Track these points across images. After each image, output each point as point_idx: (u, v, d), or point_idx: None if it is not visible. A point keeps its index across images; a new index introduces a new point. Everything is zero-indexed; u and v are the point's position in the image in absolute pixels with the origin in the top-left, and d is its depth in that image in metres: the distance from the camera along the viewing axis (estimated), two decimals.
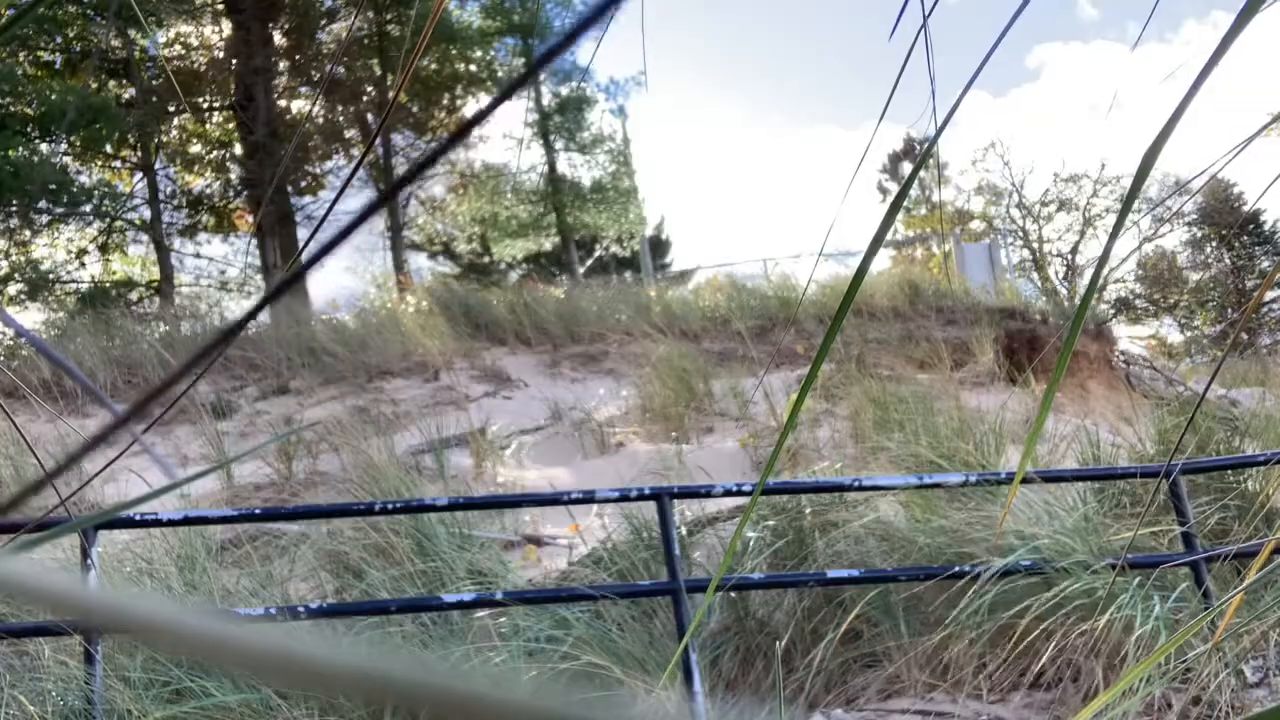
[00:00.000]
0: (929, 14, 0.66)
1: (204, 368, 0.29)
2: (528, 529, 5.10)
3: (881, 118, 0.64)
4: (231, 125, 16.00)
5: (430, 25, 0.57)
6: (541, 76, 17.69)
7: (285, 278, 0.26)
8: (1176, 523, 3.15)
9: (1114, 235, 0.54)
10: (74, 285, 15.33)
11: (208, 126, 16.35)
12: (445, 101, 16.90)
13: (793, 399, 6.63)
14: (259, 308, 0.26)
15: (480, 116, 0.26)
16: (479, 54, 16.53)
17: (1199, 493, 3.73)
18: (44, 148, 13.92)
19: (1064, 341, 0.55)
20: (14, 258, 14.54)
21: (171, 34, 15.59)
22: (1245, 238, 23.75)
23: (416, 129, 17.09)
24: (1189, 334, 23.79)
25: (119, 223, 15.32)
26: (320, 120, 16.10)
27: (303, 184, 16.24)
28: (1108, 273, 22.89)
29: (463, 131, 0.27)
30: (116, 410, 0.43)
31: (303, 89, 15.85)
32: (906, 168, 25.81)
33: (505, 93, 0.25)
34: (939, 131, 0.56)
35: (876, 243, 0.49)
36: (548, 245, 19.63)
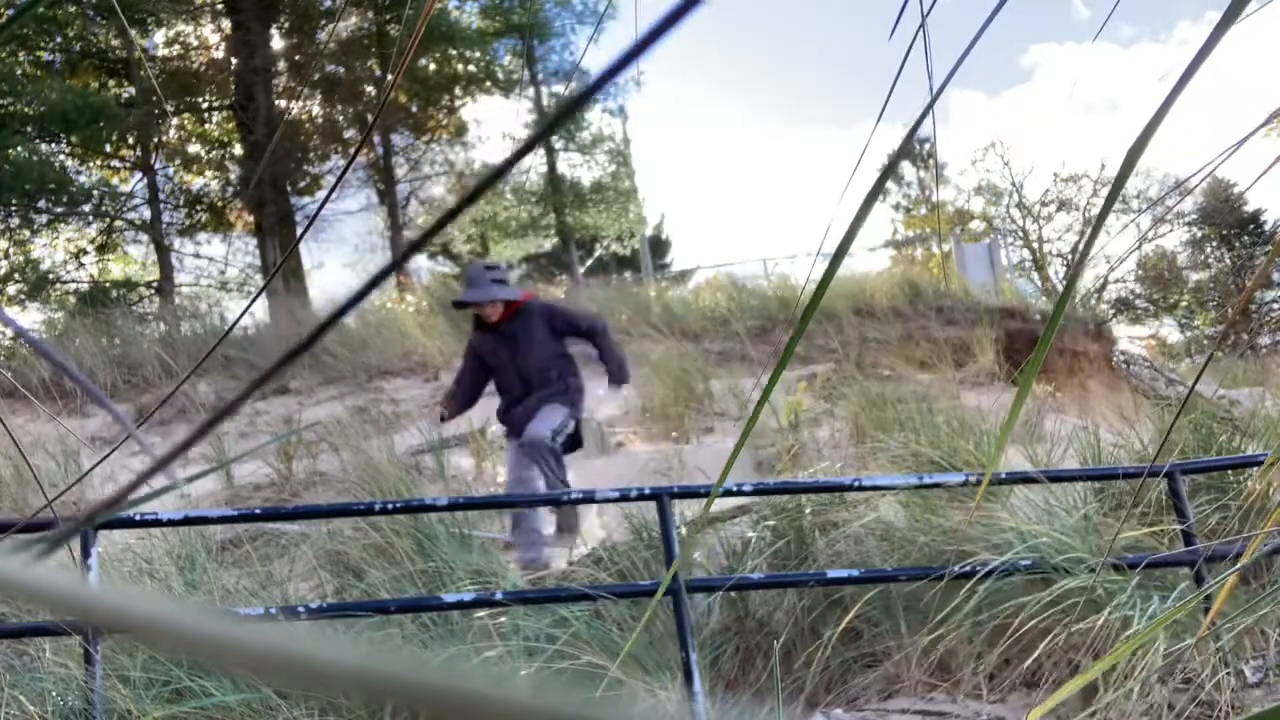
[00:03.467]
0: (928, 14, 0.66)
1: (234, 402, 0.29)
2: None
3: (880, 117, 0.64)
4: (231, 125, 16.00)
5: (421, 25, 0.57)
6: (540, 77, 17.69)
7: (340, 309, 0.27)
8: (1176, 522, 3.15)
9: (1098, 225, 0.54)
10: (74, 285, 15.32)
11: (207, 126, 16.34)
12: (444, 101, 16.89)
13: (790, 400, 6.63)
14: (318, 334, 0.27)
15: (505, 167, 0.26)
16: (478, 54, 16.52)
17: (1199, 493, 3.73)
18: (44, 148, 13.91)
19: (1046, 329, 0.55)
20: (14, 258, 14.53)
21: (171, 34, 15.58)
22: (1245, 238, 23.75)
23: (415, 129, 17.08)
24: (1189, 334, 23.80)
25: (119, 223, 15.31)
26: (320, 120, 16.10)
27: (302, 184, 16.23)
28: (1107, 273, 22.88)
29: (480, 189, 0.27)
30: (117, 411, 0.43)
31: (301, 89, 15.84)
32: (905, 167, 25.84)
33: (526, 147, 0.26)
34: (917, 122, 0.56)
35: (855, 227, 0.50)
36: (547, 245, 19.62)
